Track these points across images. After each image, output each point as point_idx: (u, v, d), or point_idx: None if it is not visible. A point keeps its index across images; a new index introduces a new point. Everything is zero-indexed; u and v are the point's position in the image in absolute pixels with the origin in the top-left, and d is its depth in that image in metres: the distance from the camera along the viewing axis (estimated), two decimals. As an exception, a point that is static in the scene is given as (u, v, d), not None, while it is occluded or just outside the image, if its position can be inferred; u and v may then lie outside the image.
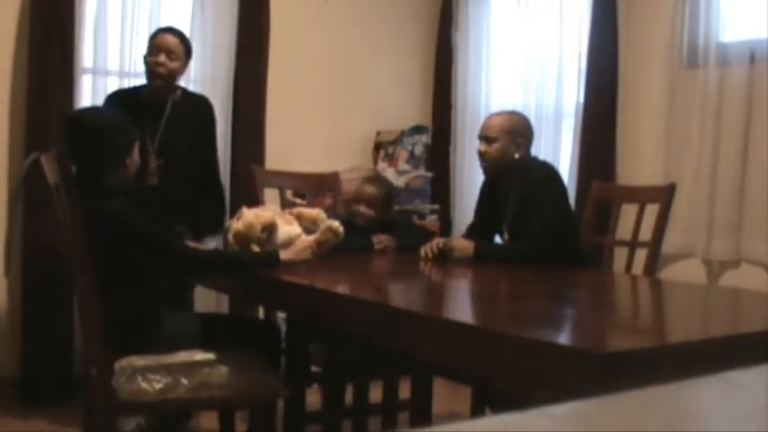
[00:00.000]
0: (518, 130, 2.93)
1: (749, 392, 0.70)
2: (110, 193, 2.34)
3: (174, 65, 3.12)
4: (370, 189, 3.14)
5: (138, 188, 3.01)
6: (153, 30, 3.87)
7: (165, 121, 3.16)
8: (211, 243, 2.73)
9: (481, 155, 2.94)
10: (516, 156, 2.90)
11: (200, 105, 3.33)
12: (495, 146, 2.90)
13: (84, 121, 2.42)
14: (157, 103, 3.17)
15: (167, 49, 3.10)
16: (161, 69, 3.09)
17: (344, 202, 3.52)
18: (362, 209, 3.11)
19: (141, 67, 3.88)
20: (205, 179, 3.30)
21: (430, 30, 4.79)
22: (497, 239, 3.11)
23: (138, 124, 3.03)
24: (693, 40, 3.59)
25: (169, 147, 3.15)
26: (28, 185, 3.47)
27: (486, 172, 3.01)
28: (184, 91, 3.31)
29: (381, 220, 3.11)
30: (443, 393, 3.50)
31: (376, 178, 3.35)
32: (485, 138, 2.93)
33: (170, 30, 3.20)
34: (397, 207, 4.18)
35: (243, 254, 2.49)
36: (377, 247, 3.01)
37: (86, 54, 3.80)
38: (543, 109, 4.21)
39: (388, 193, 3.21)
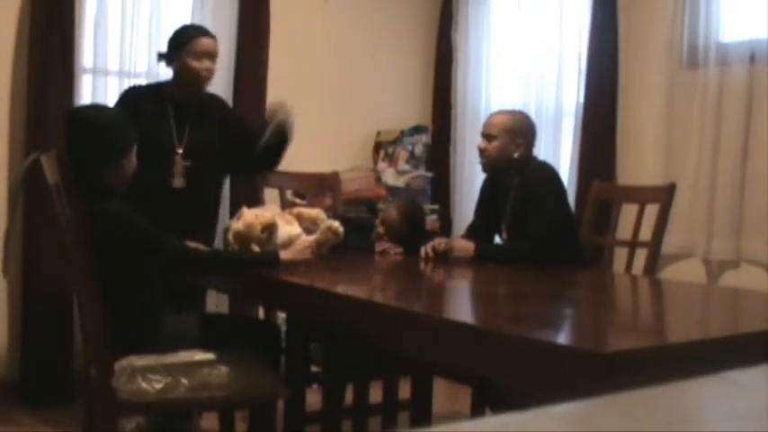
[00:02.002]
0: (519, 129, 2.93)
1: (749, 392, 0.70)
2: (109, 193, 2.34)
3: (215, 66, 3.07)
4: (392, 214, 3.14)
5: (163, 191, 3.01)
6: (154, 30, 3.90)
7: (192, 121, 3.08)
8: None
9: (481, 151, 2.96)
10: (515, 155, 2.91)
11: (218, 105, 3.26)
12: (495, 144, 2.91)
13: (83, 117, 2.42)
14: (181, 102, 3.07)
15: (211, 54, 3.02)
16: (208, 75, 3.03)
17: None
18: (381, 230, 3.11)
19: (141, 68, 3.91)
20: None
21: (430, 30, 4.79)
22: (497, 239, 3.11)
23: (164, 124, 3.02)
24: (693, 40, 3.59)
25: (197, 148, 3.07)
26: (28, 185, 3.47)
27: (484, 169, 3.02)
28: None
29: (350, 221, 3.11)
30: (443, 393, 3.50)
31: (406, 208, 3.27)
32: (485, 135, 2.94)
33: (205, 31, 3.09)
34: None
35: (243, 254, 2.49)
36: (379, 249, 3.01)
37: (86, 54, 3.80)
38: (543, 109, 4.20)
39: (409, 225, 3.14)
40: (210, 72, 3.04)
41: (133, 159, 2.44)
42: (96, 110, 2.59)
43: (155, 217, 2.37)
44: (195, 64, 2.99)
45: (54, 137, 3.38)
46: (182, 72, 3.03)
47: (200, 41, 3.01)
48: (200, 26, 3.18)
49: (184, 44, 3.01)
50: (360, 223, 3.18)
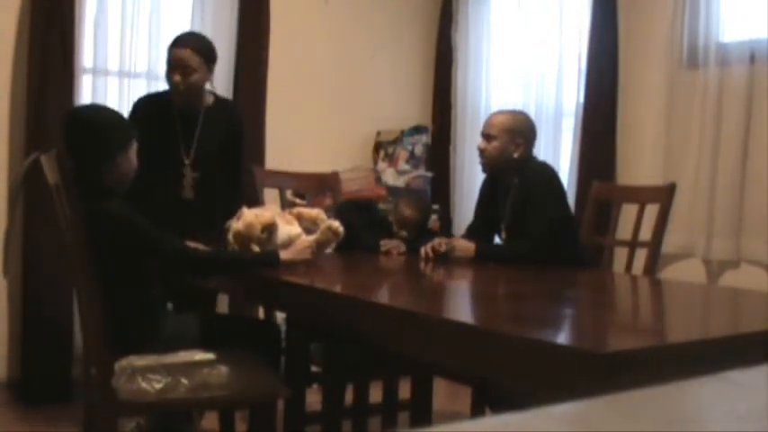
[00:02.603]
0: (519, 129, 2.93)
1: (749, 392, 0.70)
2: (109, 193, 2.34)
3: (192, 79, 2.95)
4: (408, 212, 3.16)
5: (172, 201, 3.01)
6: (154, 30, 3.90)
7: (200, 132, 3.06)
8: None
9: (480, 152, 2.96)
10: (515, 155, 2.91)
11: (230, 112, 3.22)
12: (494, 144, 2.91)
13: (81, 117, 2.41)
14: (189, 112, 3.05)
15: (181, 66, 2.92)
16: (179, 87, 2.96)
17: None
18: (400, 231, 3.12)
19: (141, 68, 3.91)
20: (230, 183, 3.19)
21: (430, 30, 4.79)
22: (497, 239, 3.11)
23: (172, 135, 3.02)
24: (693, 40, 3.59)
25: (205, 159, 3.06)
26: (28, 186, 3.47)
27: (484, 169, 3.03)
28: (216, 97, 3.16)
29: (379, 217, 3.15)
30: (443, 393, 3.50)
31: (416, 202, 3.34)
32: (485, 135, 2.95)
33: (182, 42, 2.97)
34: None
35: (243, 254, 2.48)
36: (383, 249, 3.01)
37: (86, 54, 3.80)
38: (543, 109, 4.21)
39: (425, 218, 3.23)
40: (180, 84, 2.95)
41: (132, 158, 2.42)
42: (93, 109, 2.58)
43: (166, 229, 2.36)
44: (169, 75, 2.97)
45: (54, 137, 3.38)
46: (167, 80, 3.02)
47: (171, 52, 2.96)
48: (182, 35, 3.05)
49: (167, 53, 2.99)
50: (376, 220, 3.22)
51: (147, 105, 3.11)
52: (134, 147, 2.43)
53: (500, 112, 3.09)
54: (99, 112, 2.45)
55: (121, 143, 2.38)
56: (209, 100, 3.11)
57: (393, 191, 4.33)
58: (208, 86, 3.08)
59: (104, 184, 2.35)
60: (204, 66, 2.99)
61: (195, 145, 3.06)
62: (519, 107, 3.93)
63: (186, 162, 3.05)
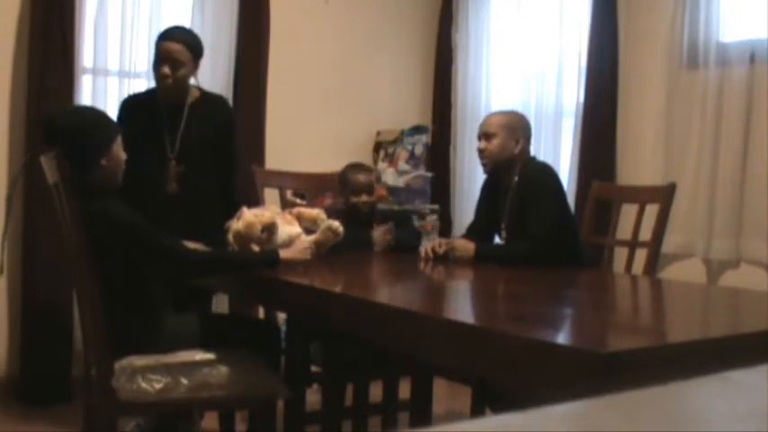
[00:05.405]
0: (516, 126, 2.95)
1: (749, 392, 0.70)
2: (105, 192, 2.33)
3: (180, 72, 2.93)
4: (364, 178, 3.21)
5: (157, 196, 3.01)
6: (154, 30, 3.89)
7: (184, 126, 3.05)
8: None
9: (481, 152, 2.96)
10: (516, 151, 2.91)
11: (217, 106, 3.20)
12: (495, 141, 2.91)
13: (55, 123, 2.37)
14: (174, 106, 3.04)
15: (171, 59, 2.91)
16: (167, 81, 2.94)
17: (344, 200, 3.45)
18: (365, 198, 3.17)
19: (142, 67, 3.91)
20: (223, 182, 3.17)
21: (430, 30, 4.79)
22: (497, 239, 3.12)
23: (157, 130, 3.02)
24: (693, 40, 3.59)
25: (189, 153, 3.05)
26: (28, 186, 3.47)
27: (486, 170, 3.02)
28: (202, 92, 3.15)
29: (383, 214, 3.16)
30: (443, 393, 3.50)
31: (361, 167, 3.35)
32: (485, 135, 2.95)
33: (172, 35, 2.96)
34: (397, 207, 4.22)
35: (243, 253, 2.48)
36: (376, 237, 3.03)
37: (86, 54, 3.80)
38: (543, 109, 4.21)
39: (375, 177, 3.32)
40: (168, 78, 2.93)
41: (118, 154, 2.39)
42: (70, 116, 2.51)
43: (151, 222, 2.36)
44: (157, 68, 2.96)
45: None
46: (153, 75, 3.02)
47: (159, 46, 2.95)
48: (170, 30, 3.03)
49: (155, 47, 2.99)
50: (402, 217, 3.26)
51: (132, 104, 3.12)
52: (118, 141, 2.40)
53: (496, 113, 3.12)
54: (75, 118, 2.40)
55: (104, 143, 2.34)
56: (195, 94, 3.11)
57: (393, 191, 4.33)
58: (192, 81, 3.07)
59: (97, 184, 2.34)
60: (192, 60, 2.98)
61: (180, 139, 3.05)
62: (519, 107, 3.94)
63: (170, 156, 3.04)
